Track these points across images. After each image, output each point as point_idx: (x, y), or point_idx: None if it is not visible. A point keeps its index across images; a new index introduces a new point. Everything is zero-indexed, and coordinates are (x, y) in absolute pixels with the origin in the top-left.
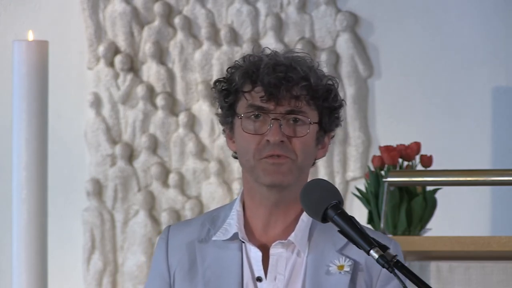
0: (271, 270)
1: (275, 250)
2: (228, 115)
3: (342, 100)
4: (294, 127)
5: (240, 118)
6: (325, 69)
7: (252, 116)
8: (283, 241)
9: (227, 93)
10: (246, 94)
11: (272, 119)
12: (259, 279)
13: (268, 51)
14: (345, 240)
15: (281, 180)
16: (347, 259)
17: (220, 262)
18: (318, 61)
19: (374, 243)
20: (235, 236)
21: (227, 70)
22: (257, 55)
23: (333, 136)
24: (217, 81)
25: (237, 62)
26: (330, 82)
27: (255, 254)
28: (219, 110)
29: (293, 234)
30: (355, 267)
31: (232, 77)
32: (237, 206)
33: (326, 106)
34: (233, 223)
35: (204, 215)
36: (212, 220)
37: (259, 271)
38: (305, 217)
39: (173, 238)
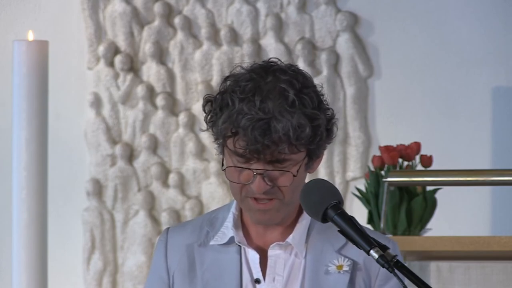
0: (270, 271)
1: (273, 252)
2: (217, 137)
3: (334, 119)
4: (278, 176)
5: (226, 159)
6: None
7: (237, 164)
8: (281, 242)
9: (214, 128)
10: (229, 141)
11: (255, 173)
12: (257, 281)
13: (255, 71)
14: (343, 240)
15: (268, 221)
16: (346, 259)
17: (218, 265)
18: (308, 78)
19: (374, 243)
20: (231, 240)
21: (215, 97)
22: (243, 81)
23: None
24: (208, 101)
25: (224, 92)
26: (316, 123)
27: (253, 256)
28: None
29: (291, 236)
30: (354, 267)
31: (217, 115)
32: (233, 209)
33: (313, 146)
34: (229, 227)
35: (203, 216)
36: (210, 222)
37: (257, 273)
38: (303, 219)
39: (172, 240)
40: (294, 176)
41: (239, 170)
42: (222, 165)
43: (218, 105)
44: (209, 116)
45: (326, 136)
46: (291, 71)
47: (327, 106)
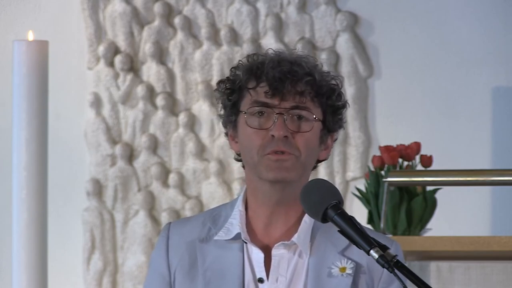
0: (273, 271)
1: (277, 251)
2: (231, 114)
3: (346, 101)
4: (299, 123)
5: (245, 114)
6: (326, 69)
7: (257, 112)
8: (286, 242)
9: (231, 92)
10: (251, 91)
11: (277, 113)
12: (260, 280)
13: (271, 51)
14: (347, 242)
15: (284, 176)
16: (349, 261)
17: (221, 263)
18: (321, 63)
19: (374, 243)
20: (237, 236)
21: (230, 70)
22: (261, 54)
23: (336, 139)
24: (220, 81)
25: (240, 61)
26: (334, 81)
27: (257, 255)
28: (222, 111)
29: (296, 235)
30: (357, 269)
31: (236, 75)
32: (240, 206)
33: (330, 104)
34: (235, 223)
35: (205, 213)
36: (213, 219)
37: (260, 272)
38: (307, 219)
39: (173, 236)
40: (313, 125)
41: (259, 116)
42: (235, 133)
43: (237, 67)
44: (226, 85)
45: (342, 105)
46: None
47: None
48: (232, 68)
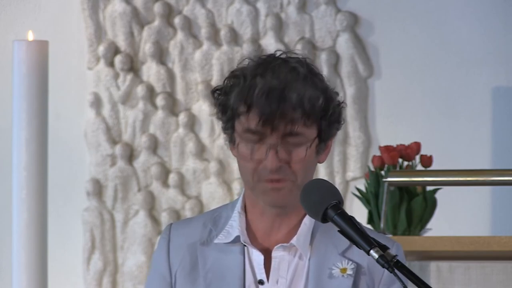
0: (273, 273)
1: (277, 253)
2: (227, 128)
3: (342, 103)
4: (292, 151)
5: (238, 141)
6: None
7: (249, 142)
8: (285, 244)
9: (224, 109)
10: (242, 117)
11: (269, 144)
12: (261, 282)
13: (263, 58)
14: (347, 243)
15: (281, 202)
16: (350, 262)
17: (221, 265)
18: (314, 66)
19: (374, 243)
20: (237, 239)
21: (224, 81)
22: (252, 68)
23: (334, 137)
24: (215, 90)
25: (234, 72)
26: (328, 96)
27: (257, 257)
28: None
29: (295, 237)
30: (358, 270)
31: (228, 94)
32: (239, 208)
33: (325, 122)
34: (235, 226)
35: (206, 214)
36: (214, 220)
37: (261, 274)
38: (307, 220)
39: (174, 237)
40: (307, 148)
41: (252, 148)
42: (233, 143)
43: (229, 84)
44: (220, 100)
45: (337, 115)
46: (299, 58)
47: (335, 91)
48: (226, 79)
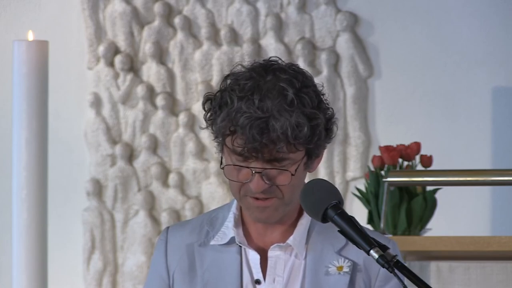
0: (270, 272)
1: (273, 253)
2: (217, 138)
3: (334, 119)
4: (277, 175)
5: (224, 157)
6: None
7: (235, 162)
8: (281, 244)
9: (212, 124)
10: (227, 139)
11: (253, 171)
12: (258, 281)
13: (255, 69)
14: (343, 241)
15: (267, 219)
16: (346, 260)
17: (218, 265)
18: (308, 78)
19: (374, 243)
20: (232, 240)
21: (215, 94)
22: (241, 88)
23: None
24: (207, 100)
25: (223, 89)
26: (314, 122)
27: (253, 257)
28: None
29: (291, 237)
30: (354, 268)
31: (216, 112)
32: (234, 209)
33: (312, 145)
34: (231, 226)
35: (203, 216)
36: (210, 221)
37: (257, 273)
38: (304, 220)
39: (172, 239)
40: (292, 175)
41: (238, 168)
42: (221, 163)
43: (217, 103)
44: (209, 114)
45: (325, 135)
46: (291, 70)
47: (327, 106)
48: (218, 92)
